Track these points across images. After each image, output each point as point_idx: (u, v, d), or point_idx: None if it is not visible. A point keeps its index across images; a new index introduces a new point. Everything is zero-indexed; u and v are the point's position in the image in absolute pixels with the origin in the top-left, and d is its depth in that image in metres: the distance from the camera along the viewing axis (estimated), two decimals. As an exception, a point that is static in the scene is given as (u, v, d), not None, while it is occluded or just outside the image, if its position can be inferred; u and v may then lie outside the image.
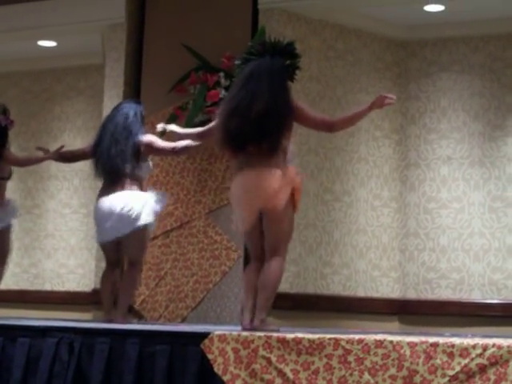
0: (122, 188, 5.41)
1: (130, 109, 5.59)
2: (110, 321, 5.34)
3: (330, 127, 4.57)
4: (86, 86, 8.18)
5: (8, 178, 5.91)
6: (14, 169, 7.70)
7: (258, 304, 4.32)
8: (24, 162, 6.24)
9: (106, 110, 6.99)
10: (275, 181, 4.27)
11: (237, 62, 4.68)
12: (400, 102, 7.10)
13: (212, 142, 4.83)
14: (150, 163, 5.67)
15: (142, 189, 5.51)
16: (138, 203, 5.36)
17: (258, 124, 4.26)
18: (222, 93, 6.41)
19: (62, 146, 5.96)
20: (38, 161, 6.33)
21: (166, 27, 6.94)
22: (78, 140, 8.14)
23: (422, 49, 7.14)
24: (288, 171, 4.35)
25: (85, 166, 8.05)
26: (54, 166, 8.19)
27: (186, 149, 5.51)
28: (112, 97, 6.99)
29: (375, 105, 4.50)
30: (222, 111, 4.47)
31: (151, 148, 5.54)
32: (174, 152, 5.58)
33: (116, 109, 5.67)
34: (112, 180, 5.43)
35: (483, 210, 6.80)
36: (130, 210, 5.32)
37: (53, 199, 8.17)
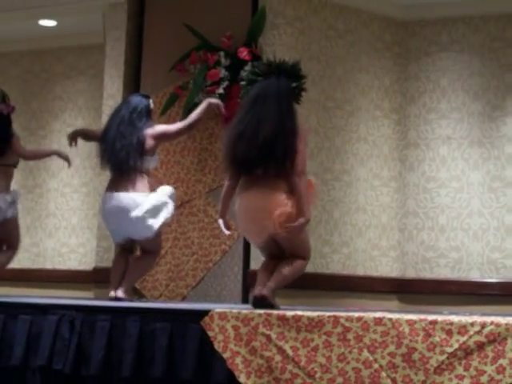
0: (130, 182, 5.37)
1: (138, 102, 5.56)
2: (110, 299, 5.34)
3: (294, 188, 4.38)
4: (87, 66, 8.17)
5: (14, 165, 5.89)
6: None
7: (271, 279, 4.38)
8: (30, 156, 6.24)
9: (107, 90, 7.02)
10: (283, 206, 4.25)
11: (242, 83, 4.63)
12: (400, 82, 7.11)
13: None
14: (157, 155, 5.66)
15: (149, 182, 5.49)
16: (151, 207, 5.34)
17: (265, 148, 4.24)
18: (223, 72, 6.41)
19: (69, 163, 6.00)
20: (45, 155, 6.41)
21: (167, 6, 6.92)
22: (79, 120, 8.14)
23: (421, 28, 7.13)
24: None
25: (85, 146, 8.07)
26: (56, 145, 8.18)
27: (198, 120, 5.56)
28: (113, 76, 6.99)
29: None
30: (228, 135, 4.42)
31: (167, 136, 5.60)
32: (191, 127, 5.59)
33: (124, 102, 5.66)
34: (119, 173, 5.42)
35: (482, 190, 6.82)
36: (145, 217, 5.32)
37: (54, 178, 8.18)
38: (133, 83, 6.98)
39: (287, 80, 4.47)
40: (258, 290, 4.36)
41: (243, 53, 6.35)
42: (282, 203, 4.27)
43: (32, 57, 8.44)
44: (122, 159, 5.36)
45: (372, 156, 6.93)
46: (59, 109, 8.27)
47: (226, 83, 6.38)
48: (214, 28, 6.57)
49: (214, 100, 5.66)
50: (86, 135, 5.96)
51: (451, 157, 6.94)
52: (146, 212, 5.30)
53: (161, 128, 5.56)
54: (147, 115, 5.56)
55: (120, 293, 5.31)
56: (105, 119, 6.90)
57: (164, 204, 5.40)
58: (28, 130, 8.30)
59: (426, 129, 7.02)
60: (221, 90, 6.37)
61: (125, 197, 5.34)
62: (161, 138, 5.54)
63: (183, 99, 6.54)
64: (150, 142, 5.45)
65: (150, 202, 5.34)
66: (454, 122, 6.97)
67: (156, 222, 5.35)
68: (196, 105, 6.45)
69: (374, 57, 7.03)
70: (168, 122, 6.62)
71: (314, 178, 6.53)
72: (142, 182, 5.41)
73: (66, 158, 5.99)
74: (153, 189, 5.46)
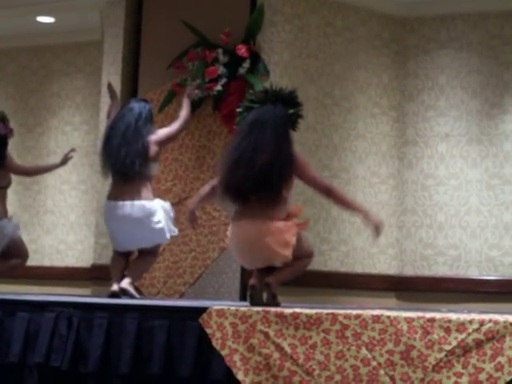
0: (135, 190, 5.39)
1: (141, 109, 5.54)
2: (113, 294, 5.34)
3: (328, 192, 4.49)
4: (85, 63, 8.15)
5: (7, 186, 5.89)
6: (13, 145, 7.71)
7: (278, 270, 4.39)
8: (33, 172, 6.31)
9: (105, 87, 6.99)
10: (278, 236, 4.25)
11: (238, 110, 4.58)
12: (398, 79, 7.10)
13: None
14: (158, 162, 5.68)
15: (150, 188, 5.52)
16: (164, 213, 5.41)
17: (261, 176, 4.21)
18: (221, 69, 6.40)
19: (73, 149, 6.14)
20: (47, 170, 6.42)
21: (165, 3, 6.91)
22: (77, 117, 8.13)
23: (420, 26, 7.12)
24: (289, 216, 4.33)
25: (83, 143, 8.07)
26: (53, 143, 8.19)
27: (189, 115, 5.66)
28: (110, 73, 6.98)
29: (369, 223, 4.38)
30: (224, 161, 4.38)
31: (171, 138, 5.65)
32: (187, 123, 5.67)
33: (126, 108, 5.60)
34: (123, 181, 5.41)
35: (480, 187, 6.81)
36: (162, 225, 5.39)
37: (52, 175, 8.12)
38: (131, 80, 6.97)
39: (284, 107, 4.44)
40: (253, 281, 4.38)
41: (241, 50, 6.35)
42: (279, 232, 4.25)
43: (30, 53, 8.43)
44: (127, 166, 5.35)
45: (370, 153, 6.93)
46: (57, 106, 8.26)
47: (224, 80, 6.37)
48: (212, 25, 6.56)
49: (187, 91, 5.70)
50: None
51: (449, 154, 6.94)
52: (161, 219, 5.37)
53: (164, 132, 5.58)
54: (151, 121, 5.58)
55: (125, 283, 5.31)
56: (102, 116, 6.92)
57: (166, 208, 5.47)
58: (25, 127, 8.29)
59: (424, 126, 7.02)
60: (219, 87, 6.37)
61: (134, 205, 5.36)
62: (166, 141, 5.59)
63: (181, 96, 6.51)
64: (154, 149, 5.46)
65: (161, 209, 5.40)
66: (452, 119, 6.96)
67: (172, 229, 5.47)
68: (194, 102, 6.48)
69: (372, 54, 7.02)
70: (166, 119, 6.63)
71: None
72: (146, 189, 5.44)
73: (65, 161, 6.07)
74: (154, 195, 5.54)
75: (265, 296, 4.37)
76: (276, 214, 4.28)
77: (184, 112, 5.61)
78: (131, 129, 5.43)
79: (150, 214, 5.35)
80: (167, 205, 5.52)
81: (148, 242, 5.47)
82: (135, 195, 5.37)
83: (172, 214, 5.52)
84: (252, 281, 4.40)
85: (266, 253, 4.28)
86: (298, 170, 4.41)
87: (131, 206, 5.36)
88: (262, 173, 4.20)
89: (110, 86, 5.84)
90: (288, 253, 4.27)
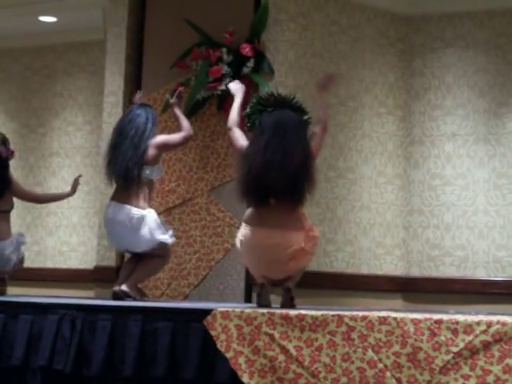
0: (131, 194, 5.42)
1: (148, 113, 5.60)
2: (115, 293, 5.38)
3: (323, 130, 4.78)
4: (87, 63, 8.14)
5: (10, 210, 5.99)
6: (16, 145, 7.70)
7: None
8: (44, 200, 6.44)
9: (108, 87, 6.98)
10: (301, 244, 4.36)
11: (247, 112, 4.65)
12: (404, 78, 7.07)
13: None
14: (161, 165, 5.72)
15: (151, 192, 5.60)
16: (153, 224, 5.40)
17: (293, 179, 4.33)
18: (225, 68, 6.37)
19: (80, 175, 6.31)
20: (60, 198, 6.53)
21: (168, 2, 6.89)
22: (80, 117, 8.11)
23: (426, 24, 7.09)
24: (308, 227, 4.45)
25: (86, 143, 8.05)
26: (56, 144, 8.17)
27: (190, 127, 5.64)
28: (113, 73, 6.95)
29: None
30: (249, 162, 4.40)
31: (168, 147, 5.67)
32: (191, 137, 5.67)
33: (133, 113, 5.63)
34: (125, 184, 5.45)
35: (488, 187, 6.77)
36: (132, 233, 5.38)
37: (54, 176, 8.15)
38: (134, 80, 6.95)
39: (300, 113, 4.60)
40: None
41: (246, 49, 6.32)
42: (305, 242, 4.38)
43: (32, 53, 8.41)
44: (128, 169, 5.40)
45: (376, 153, 6.89)
46: (59, 106, 8.24)
47: (228, 79, 6.32)
48: (216, 24, 6.53)
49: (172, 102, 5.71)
50: None
51: (456, 154, 6.89)
52: (144, 228, 5.36)
53: (162, 138, 5.61)
54: (155, 125, 5.64)
55: (124, 286, 5.36)
56: (105, 116, 6.89)
57: (158, 226, 5.44)
58: (28, 128, 8.28)
59: (430, 126, 6.98)
60: (223, 87, 6.33)
61: (121, 208, 5.40)
62: (162, 148, 5.60)
63: (185, 96, 6.48)
64: (151, 152, 5.49)
65: (148, 220, 5.38)
66: (459, 118, 6.92)
67: (158, 233, 5.41)
68: (198, 102, 6.45)
69: (378, 53, 6.98)
70: (170, 119, 6.60)
71: (318, 176, 6.56)
72: (143, 195, 5.47)
73: (74, 189, 6.28)
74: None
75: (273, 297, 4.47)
76: (298, 222, 4.40)
77: (184, 123, 5.61)
78: (139, 133, 5.49)
79: (134, 221, 5.36)
80: (157, 217, 5.49)
81: (134, 248, 5.50)
82: (130, 199, 5.42)
83: (163, 226, 5.51)
84: (260, 280, 4.47)
85: (290, 264, 4.38)
86: None
87: (119, 209, 5.42)
88: (294, 176, 4.32)
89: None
90: (308, 262, 4.52)
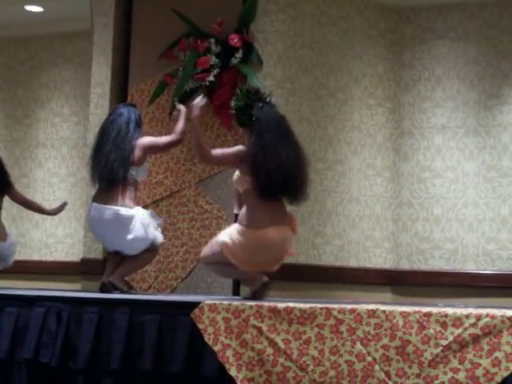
0: (117, 194, 5.36)
1: (131, 113, 5.54)
2: (103, 284, 5.37)
3: None
4: (74, 53, 8.10)
5: None
6: (1, 136, 7.65)
7: None
8: (29, 206, 6.36)
9: (95, 78, 6.94)
10: (292, 233, 4.64)
11: (238, 105, 4.65)
12: (394, 70, 7.05)
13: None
14: (147, 165, 5.67)
15: (136, 192, 5.52)
16: (140, 227, 5.34)
17: (303, 176, 4.61)
18: (213, 59, 6.34)
19: (65, 203, 6.26)
20: (41, 212, 6.47)
21: (156, -9, 6.85)
22: (66, 108, 8.07)
23: (416, 15, 7.06)
24: (290, 215, 4.68)
25: (72, 134, 8.00)
26: (42, 135, 8.13)
27: (184, 132, 5.57)
28: (101, 64, 6.90)
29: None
30: (268, 160, 4.46)
31: (154, 149, 5.60)
32: (180, 141, 5.61)
33: (116, 113, 5.59)
34: (107, 184, 5.39)
35: (478, 180, 6.76)
36: (121, 234, 5.32)
37: (41, 168, 8.11)
38: (121, 71, 6.91)
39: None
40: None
41: (234, 39, 6.28)
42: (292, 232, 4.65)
43: (17, 43, 8.35)
44: (113, 170, 5.34)
45: (365, 145, 6.87)
46: (45, 97, 8.19)
47: (216, 70, 6.31)
48: (204, 14, 6.50)
49: (181, 106, 5.64)
50: None
51: (446, 146, 6.88)
52: (135, 229, 5.30)
53: (148, 140, 5.55)
54: (139, 126, 5.58)
55: (112, 278, 5.35)
56: (92, 107, 6.85)
57: (149, 223, 5.39)
58: (13, 119, 8.24)
59: (420, 117, 6.96)
60: (211, 78, 6.30)
61: (109, 209, 5.33)
62: (148, 150, 5.53)
63: (173, 87, 6.45)
64: (137, 153, 5.44)
65: (138, 218, 5.32)
66: (449, 110, 6.91)
67: (151, 237, 5.38)
68: (186, 93, 6.40)
69: (367, 44, 6.95)
70: (157, 110, 6.55)
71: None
72: (129, 195, 5.41)
73: (57, 212, 6.30)
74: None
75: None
76: (287, 214, 4.63)
77: (179, 128, 5.53)
78: (122, 133, 5.43)
79: (123, 221, 5.30)
80: (147, 213, 5.44)
81: (123, 248, 5.43)
82: (114, 200, 5.35)
83: (154, 222, 5.44)
84: (254, 275, 4.60)
85: (285, 254, 4.60)
86: None
87: (106, 210, 5.34)
88: (304, 173, 4.61)
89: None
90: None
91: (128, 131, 5.44)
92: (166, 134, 6.56)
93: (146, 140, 5.53)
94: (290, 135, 4.63)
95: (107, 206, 5.33)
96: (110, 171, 5.34)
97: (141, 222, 5.32)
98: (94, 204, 5.43)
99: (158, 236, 5.45)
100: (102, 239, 5.61)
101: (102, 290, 5.35)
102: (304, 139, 6.47)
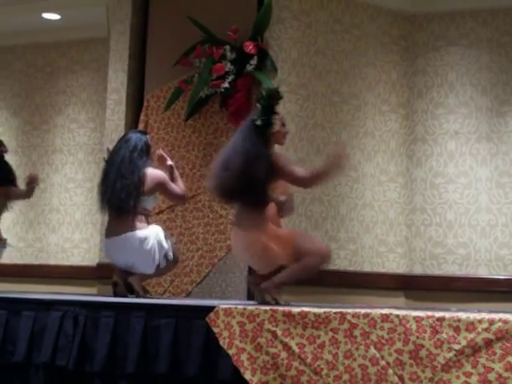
0: (129, 223, 5.33)
1: (137, 140, 5.49)
2: (115, 284, 5.37)
3: (309, 183, 4.53)
4: (91, 60, 8.14)
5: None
6: (19, 142, 7.68)
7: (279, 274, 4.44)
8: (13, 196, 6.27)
9: (111, 84, 6.98)
10: (253, 247, 4.37)
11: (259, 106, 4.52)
12: (407, 77, 7.05)
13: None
14: (157, 195, 5.63)
15: (147, 222, 5.47)
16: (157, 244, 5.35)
17: (244, 180, 4.29)
18: (228, 66, 6.36)
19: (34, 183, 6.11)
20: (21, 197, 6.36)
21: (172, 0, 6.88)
22: (83, 114, 8.11)
23: (429, 22, 7.08)
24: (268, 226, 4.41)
25: (89, 140, 8.05)
26: (59, 140, 8.17)
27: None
28: (117, 70, 6.95)
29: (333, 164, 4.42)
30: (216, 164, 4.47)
31: (164, 190, 5.54)
32: (185, 201, 5.72)
33: (123, 139, 5.57)
34: (117, 214, 5.36)
35: (490, 186, 6.76)
36: (143, 252, 5.32)
37: (57, 173, 8.15)
38: (137, 77, 6.94)
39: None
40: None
41: (249, 47, 6.30)
42: (253, 243, 4.36)
43: (35, 50, 8.40)
44: (121, 199, 5.30)
45: (379, 151, 6.88)
46: (63, 103, 8.23)
47: (231, 77, 6.33)
48: (219, 22, 6.52)
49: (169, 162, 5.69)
50: None
51: (459, 152, 6.89)
52: (151, 244, 5.31)
53: (163, 179, 5.48)
54: (147, 153, 5.52)
55: (131, 279, 5.33)
56: (109, 114, 6.90)
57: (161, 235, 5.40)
58: (31, 125, 8.27)
59: (433, 124, 6.97)
60: (226, 84, 6.32)
61: (128, 237, 5.30)
62: (158, 187, 5.49)
63: (188, 93, 6.49)
64: (148, 184, 5.40)
65: (153, 235, 5.34)
66: (461, 116, 6.91)
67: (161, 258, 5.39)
68: (201, 99, 6.44)
69: (380, 51, 6.97)
70: (173, 116, 6.60)
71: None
72: (140, 221, 5.38)
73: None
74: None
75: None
76: (251, 222, 4.36)
77: (182, 186, 5.60)
78: (126, 161, 5.38)
79: (142, 240, 5.30)
80: (160, 230, 5.44)
81: (147, 268, 5.41)
82: (128, 228, 5.32)
83: (167, 242, 5.43)
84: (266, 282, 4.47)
85: (253, 262, 4.52)
86: (277, 174, 4.39)
87: (125, 239, 5.31)
88: (241, 176, 4.28)
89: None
90: (271, 260, 4.39)
91: (131, 160, 5.37)
92: (181, 140, 6.64)
93: (161, 177, 5.47)
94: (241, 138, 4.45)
95: (121, 237, 5.31)
96: (118, 200, 5.31)
97: (156, 239, 5.33)
98: (109, 240, 5.40)
99: (170, 255, 5.44)
100: (125, 267, 5.47)
101: (114, 289, 5.35)
102: (318, 145, 6.53)
